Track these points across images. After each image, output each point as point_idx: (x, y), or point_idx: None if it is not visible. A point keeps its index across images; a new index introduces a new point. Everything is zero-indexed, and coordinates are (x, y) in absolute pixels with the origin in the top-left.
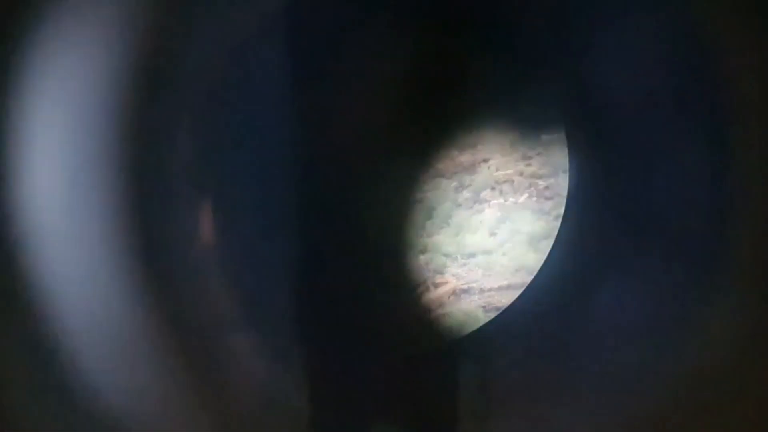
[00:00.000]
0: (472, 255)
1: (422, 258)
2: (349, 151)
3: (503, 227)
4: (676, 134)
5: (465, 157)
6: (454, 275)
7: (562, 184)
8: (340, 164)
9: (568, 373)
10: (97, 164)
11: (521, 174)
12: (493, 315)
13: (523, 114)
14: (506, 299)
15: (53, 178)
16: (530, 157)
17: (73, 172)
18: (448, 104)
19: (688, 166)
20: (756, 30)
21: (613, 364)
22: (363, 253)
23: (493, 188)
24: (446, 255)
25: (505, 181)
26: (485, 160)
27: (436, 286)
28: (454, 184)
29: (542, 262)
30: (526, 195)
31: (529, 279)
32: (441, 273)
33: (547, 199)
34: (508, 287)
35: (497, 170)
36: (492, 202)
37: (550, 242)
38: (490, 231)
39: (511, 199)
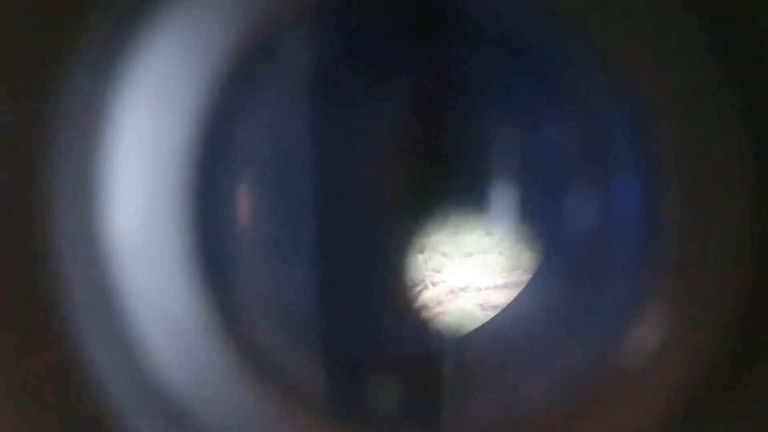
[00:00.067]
0: (469, 254)
1: (420, 257)
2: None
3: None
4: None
5: None
6: (451, 274)
7: None
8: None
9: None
10: (171, 189)
11: None
12: (490, 313)
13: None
14: (503, 298)
15: (135, 201)
16: None
17: (151, 198)
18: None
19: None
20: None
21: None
22: (363, 251)
23: None
24: (444, 254)
25: None
26: None
27: (434, 284)
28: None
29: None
30: None
31: (525, 278)
32: (438, 272)
33: None
34: (505, 286)
35: None
36: None
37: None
38: (487, 230)
39: None
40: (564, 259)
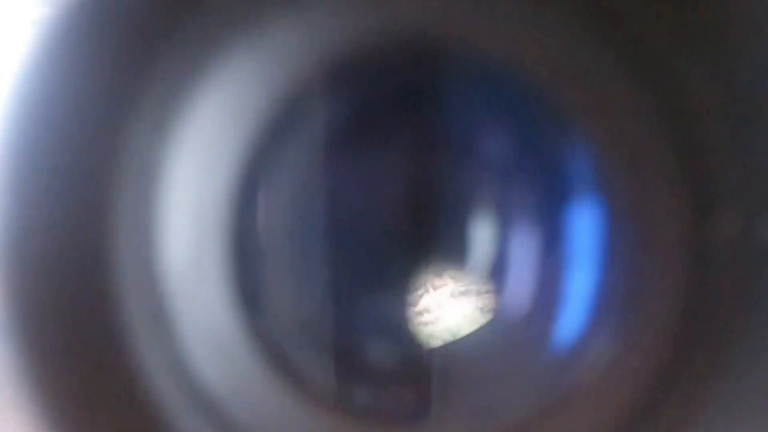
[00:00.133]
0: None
1: (422, 263)
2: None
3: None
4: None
5: None
6: (452, 278)
7: None
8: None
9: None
10: (214, 226)
11: None
12: (490, 317)
13: None
14: (503, 302)
15: (184, 236)
16: None
17: (198, 233)
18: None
19: None
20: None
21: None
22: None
23: None
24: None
25: None
26: None
27: (435, 288)
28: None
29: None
30: None
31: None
32: (440, 275)
33: None
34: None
35: None
36: None
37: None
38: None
39: None
40: (524, 284)
